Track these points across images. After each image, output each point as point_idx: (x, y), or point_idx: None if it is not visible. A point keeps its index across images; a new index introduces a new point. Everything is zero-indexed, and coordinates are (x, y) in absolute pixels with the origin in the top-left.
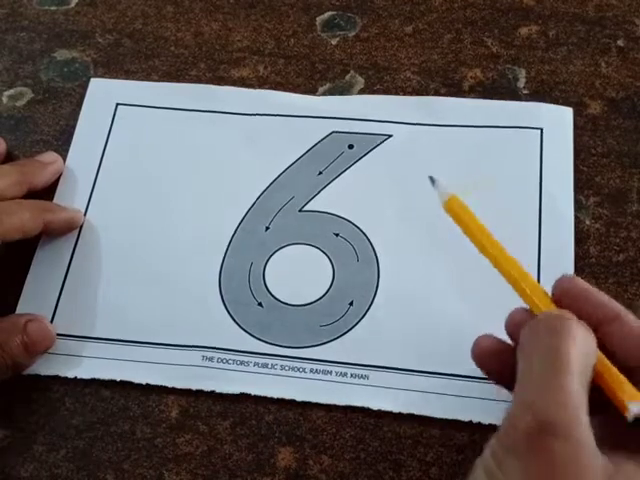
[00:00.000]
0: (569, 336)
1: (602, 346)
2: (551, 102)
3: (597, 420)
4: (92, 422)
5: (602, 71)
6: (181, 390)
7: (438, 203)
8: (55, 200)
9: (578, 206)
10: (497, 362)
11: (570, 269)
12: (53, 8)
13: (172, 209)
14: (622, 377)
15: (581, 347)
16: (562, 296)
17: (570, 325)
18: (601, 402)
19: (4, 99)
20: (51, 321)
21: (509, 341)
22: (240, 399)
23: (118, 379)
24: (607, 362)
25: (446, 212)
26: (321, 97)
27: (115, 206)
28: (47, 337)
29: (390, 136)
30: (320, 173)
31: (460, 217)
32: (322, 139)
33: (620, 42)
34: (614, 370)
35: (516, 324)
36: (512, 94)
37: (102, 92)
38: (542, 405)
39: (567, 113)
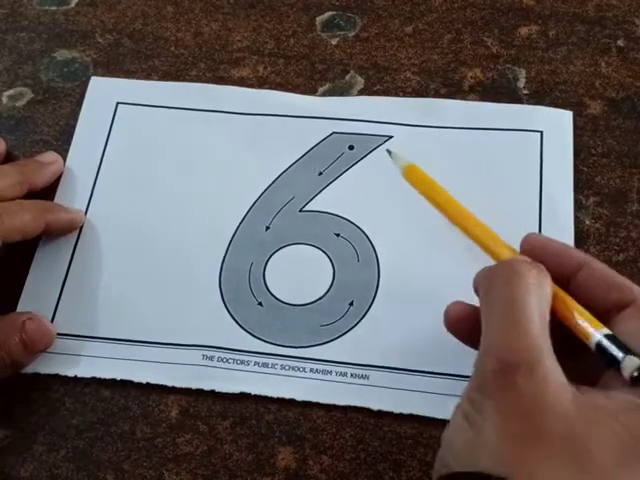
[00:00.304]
0: (522, 284)
1: (576, 295)
2: (551, 102)
3: (574, 363)
4: (92, 422)
5: (602, 71)
6: (181, 390)
7: (398, 174)
8: (56, 199)
9: (578, 206)
10: (468, 327)
11: None
12: (53, 8)
13: (172, 208)
14: (585, 311)
15: (534, 291)
16: (528, 253)
17: (522, 272)
18: (576, 346)
19: (4, 99)
20: (51, 320)
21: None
22: (240, 399)
23: (118, 378)
24: (570, 300)
25: (406, 180)
26: (322, 98)
27: (115, 205)
28: (46, 335)
29: (390, 137)
30: (320, 173)
31: (419, 183)
32: (323, 140)
33: (620, 42)
34: (578, 306)
35: (455, 318)
36: (512, 94)
37: (102, 91)
38: (504, 347)
39: (567, 116)
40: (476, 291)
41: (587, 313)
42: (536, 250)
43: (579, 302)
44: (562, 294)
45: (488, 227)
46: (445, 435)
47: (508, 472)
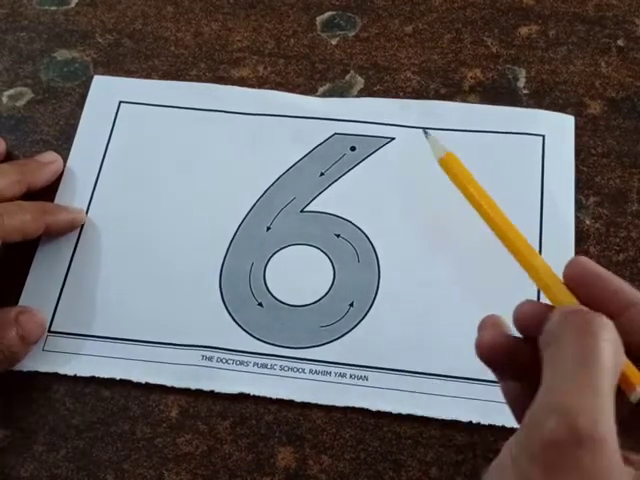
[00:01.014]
0: (602, 335)
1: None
2: (551, 102)
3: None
4: (92, 422)
5: (602, 71)
6: (181, 390)
7: (432, 158)
8: (57, 198)
9: (578, 206)
10: (504, 356)
11: None
12: (53, 8)
13: (173, 208)
14: (631, 364)
15: (613, 347)
16: (574, 280)
17: (602, 323)
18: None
19: (4, 99)
20: (52, 319)
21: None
22: (240, 399)
23: (117, 377)
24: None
25: (441, 168)
26: (324, 99)
27: (116, 205)
28: (40, 325)
29: (392, 139)
30: (322, 174)
31: (456, 175)
32: (325, 140)
33: (620, 42)
34: (626, 358)
35: (527, 317)
36: (512, 94)
37: (105, 90)
38: (573, 408)
39: (568, 121)
40: (520, 329)
41: (633, 366)
42: (583, 277)
43: (626, 344)
44: None
45: (522, 235)
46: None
47: None
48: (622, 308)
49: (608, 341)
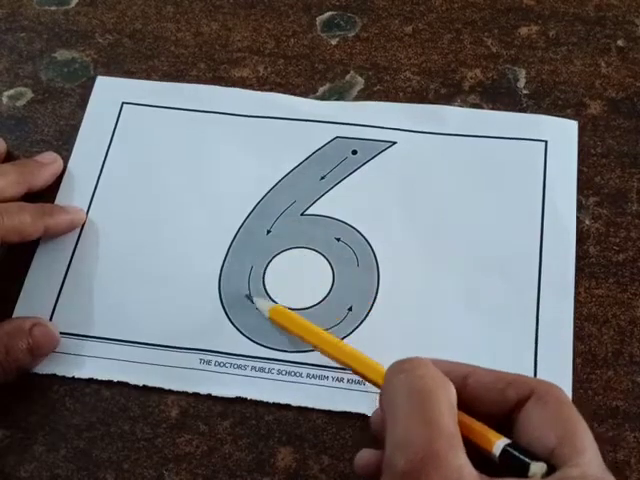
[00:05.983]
0: (428, 375)
1: (471, 405)
2: (551, 102)
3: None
4: (92, 422)
5: (602, 71)
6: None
7: (265, 317)
8: (58, 198)
9: (578, 206)
10: (378, 470)
11: (570, 274)
12: (53, 8)
13: (173, 211)
14: (483, 425)
15: (441, 383)
16: None
17: (427, 364)
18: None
19: (4, 99)
20: (50, 319)
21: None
22: (240, 399)
23: (115, 380)
24: (466, 416)
25: (272, 322)
26: (326, 102)
27: (117, 206)
28: (52, 340)
29: (394, 143)
30: (323, 178)
31: (287, 319)
32: (326, 144)
33: (620, 42)
34: (475, 421)
35: (364, 464)
36: (512, 94)
37: (108, 90)
38: (413, 443)
39: (571, 126)
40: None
41: (485, 426)
42: None
43: (477, 410)
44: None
45: (359, 352)
46: None
47: None
48: (461, 381)
49: (435, 378)
